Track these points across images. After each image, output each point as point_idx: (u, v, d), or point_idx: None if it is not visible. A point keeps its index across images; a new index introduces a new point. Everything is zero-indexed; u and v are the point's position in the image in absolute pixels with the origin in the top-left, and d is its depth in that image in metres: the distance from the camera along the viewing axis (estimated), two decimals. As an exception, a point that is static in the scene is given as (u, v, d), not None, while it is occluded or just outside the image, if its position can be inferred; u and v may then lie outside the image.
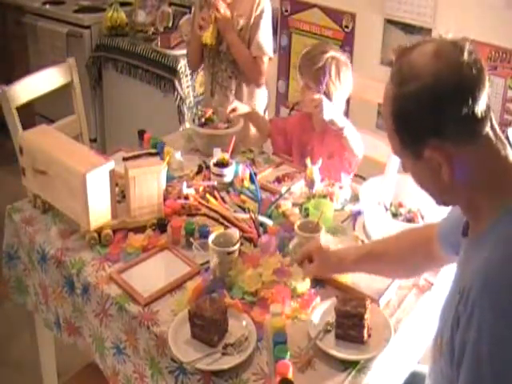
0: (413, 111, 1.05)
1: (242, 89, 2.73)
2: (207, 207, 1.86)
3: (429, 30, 2.82)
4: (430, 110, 1.03)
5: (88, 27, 3.72)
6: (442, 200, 1.16)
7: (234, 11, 2.58)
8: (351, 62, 3.15)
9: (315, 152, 2.27)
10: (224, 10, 2.54)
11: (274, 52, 3.48)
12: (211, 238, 1.62)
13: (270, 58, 2.69)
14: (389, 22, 2.97)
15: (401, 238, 1.53)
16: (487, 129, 1.06)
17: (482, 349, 0.99)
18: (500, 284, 0.99)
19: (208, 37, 2.58)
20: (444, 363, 1.12)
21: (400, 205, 1.87)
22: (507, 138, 2.27)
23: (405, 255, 1.48)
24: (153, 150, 2.05)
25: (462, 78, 1.02)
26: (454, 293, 1.11)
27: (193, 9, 3.02)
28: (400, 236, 1.54)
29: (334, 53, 2.20)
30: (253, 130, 2.70)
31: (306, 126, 2.35)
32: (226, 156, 2.06)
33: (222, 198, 1.93)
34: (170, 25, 3.66)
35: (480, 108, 1.03)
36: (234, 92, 2.72)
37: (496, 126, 1.08)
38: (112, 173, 1.74)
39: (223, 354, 1.41)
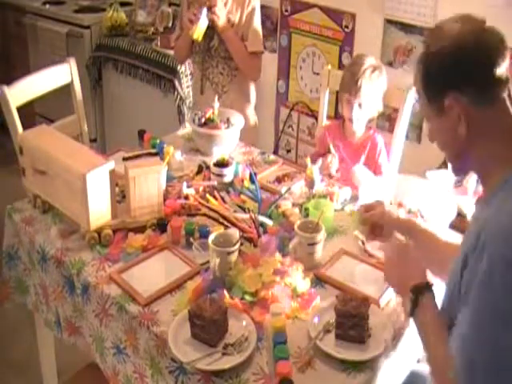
0: (437, 67, 1.19)
1: (233, 86, 2.75)
2: (207, 207, 1.86)
3: (429, 30, 2.83)
4: (451, 66, 1.16)
5: (88, 27, 3.72)
6: (457, 163, 1.25)
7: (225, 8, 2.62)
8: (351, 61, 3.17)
9: (347, 161, 2.35)
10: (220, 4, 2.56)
11: (274, 52, 3.50)
12: (211, 238, 1.62)
13: (262, 53, 2.74)
14: (389, 22, 2.97)
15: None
16: (504, 95, 1.17)
17: (493, 280, 1.05)
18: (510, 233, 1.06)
19: (195, 31, 2.55)
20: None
21: (400, 205, 1.87)
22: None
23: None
24: (153, 150, 2.05)
25: (482, 42, 1.16)
26: (458, 255, 1.18)
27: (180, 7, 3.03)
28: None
29: (368, 59, 2.28)
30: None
31: (335, 132, 2.42)
32: (226, 156, 2.07)
33: (222, 198, 1.92)
34: (170, 25, 3.66)
35: (498, 74, 1.15)
36: (225, 89, 2.74)
37: None
38: (112, 173, 1.74)
39: (223, 354, 1.41)
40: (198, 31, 2.54)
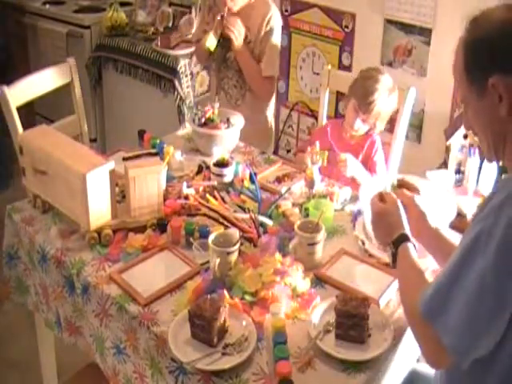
0: (482, 49, 1.20)
1: (247, 102, 2.71)
2: (207, 207, 1.86)
3: (429, 30, 2.83)
4: (497, 48, 1.17)
5: (88, 27, 3.72)
6: (493, 147, 1.25)
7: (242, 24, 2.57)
8: (351, 62, 3.18)
9: None
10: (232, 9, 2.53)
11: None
12: (211, 238, 1.62)
13: (276, 78, 2.72)
14: (389, 22, 2.97)
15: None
16: None
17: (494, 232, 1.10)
18: None
19: (207, 40, 2.53)
20: None
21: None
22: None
23: None
24: (153, 150, 2.05)
25: None
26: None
27: (193, 10, 3.00)
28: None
29: (385, 80, 2.28)
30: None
31: (335, 133, 2.42)
32: (226, 156, 2.07)
33: (222, 198, 1.92)
34: (170, 25, 3.66)
35: None
36: (238, 103, 2.72)
37: None
38: (112, 173, 1.74)
39: (223, 354, 1.41)
40: (210, 41, 2.52)
